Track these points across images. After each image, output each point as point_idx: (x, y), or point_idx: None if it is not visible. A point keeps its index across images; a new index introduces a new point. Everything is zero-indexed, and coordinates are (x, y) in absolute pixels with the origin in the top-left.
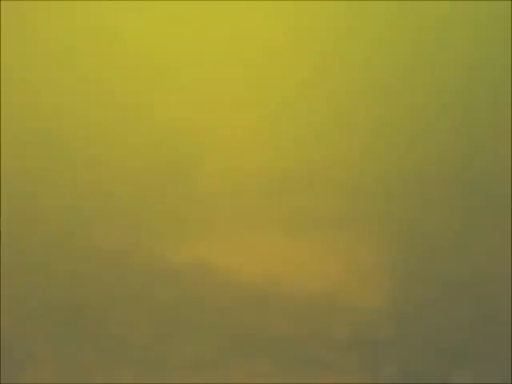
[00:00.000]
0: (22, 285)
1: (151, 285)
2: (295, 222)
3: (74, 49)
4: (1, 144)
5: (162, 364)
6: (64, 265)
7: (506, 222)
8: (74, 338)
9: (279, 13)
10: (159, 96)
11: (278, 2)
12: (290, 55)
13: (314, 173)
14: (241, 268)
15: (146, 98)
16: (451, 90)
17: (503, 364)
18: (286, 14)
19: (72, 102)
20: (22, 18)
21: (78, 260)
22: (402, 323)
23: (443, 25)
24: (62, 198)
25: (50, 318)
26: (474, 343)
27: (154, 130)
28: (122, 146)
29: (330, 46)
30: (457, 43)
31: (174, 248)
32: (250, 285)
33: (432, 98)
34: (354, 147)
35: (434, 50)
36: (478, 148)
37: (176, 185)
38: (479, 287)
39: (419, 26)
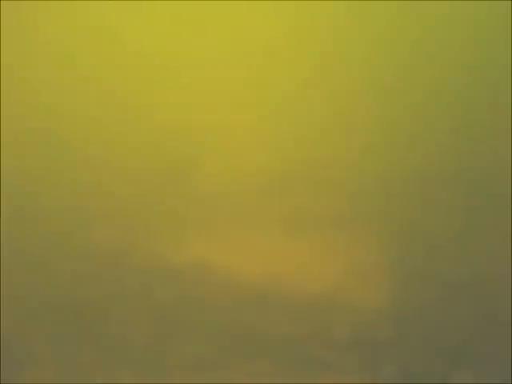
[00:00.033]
0: (22, 285)
1: (151, 285)
2: (295, 222)
3: (74, 49)
4: (1, 144)
5: (161, 364)
6: (64, 265)
7: (506, 222)
8: (74, 338)
9: (279, 13)
10: (159, 96)
11: (278, 2)
12: (290, 55)
13: (314, 173)
14: (241, 268)
15: (146, 98)
16: (451, 89)
17: (503, 364)
18: (286, 14)
19: (72, 102)
20: (22, 18)
21: (78, 260)
22: (402, 323)
23: (443, 25)
24: (62, 198)
25: (49, 318)
26: (474, 343)
27: (154, 129)
28: (121, 145)
29: (330, 46)
30: (457, 43)
31: (174, 248)
32: (249, 285)
33: (432, 97)
34: (353, 147)
35: (434, 49)
36: (478, 148)
37: (176, 185)
38: (479, 287)
39: (419, 25)
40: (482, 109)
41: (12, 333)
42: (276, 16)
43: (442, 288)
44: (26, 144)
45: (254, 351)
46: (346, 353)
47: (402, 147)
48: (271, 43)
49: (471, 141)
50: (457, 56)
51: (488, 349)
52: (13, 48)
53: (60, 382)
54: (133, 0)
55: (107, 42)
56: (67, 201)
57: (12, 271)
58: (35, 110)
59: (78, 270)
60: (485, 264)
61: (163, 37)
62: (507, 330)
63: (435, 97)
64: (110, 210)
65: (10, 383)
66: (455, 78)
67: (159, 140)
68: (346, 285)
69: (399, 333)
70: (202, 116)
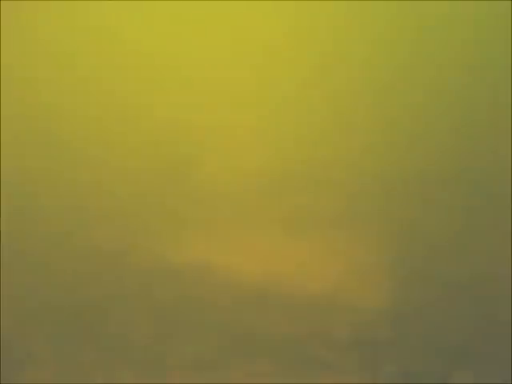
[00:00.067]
0: (22, 285)
1: (151, 285)
2: (295, 221)
3: (74, 49)
4: (1, 144)
5: (162, 364)
6: (64, 265)
7: (506, 222)
8: (74, 338)
9: (279, 13)
10: (159, 96)
11: (278, 2)
12: (290, 55)
13: (314, 173)
14: (241, 268)
15: (146, 98)
16: (451, 89)
17: (503, 364)
18: (286, 14)
19: (72, 102)
20: (22, 17)
21: (78, 260)
22: (402, 323)
23: (443, 25)
24: (62, 198)
25: (50, 318)
26: (474, 343)
27: (154, 129)
28: (121, 145)
29: (330, 45)
30: (457, 43)
31: (174, 248)
32: (249, 285)
33: (432, 97)
34: (353, 147)
35: (434, 49)
36: (478, 148)
37: (176, 185)
38: (479, 287)
39: (419, 25)
40: (481, 109)
41: (12, 333)
42: (276, 16)
43: (442, 288)
44: (26, 144)
45: (254, 351)
46: (346, 353)
47: (402, 147)
48: (271, 43)
49: (471, 141)
50: (457, 56)
51: (488, 349)
52: (13, 48)
53: (60, 382)
54: (133, 0)
55: (107, 42)
56: (67, 201)
57: (12, 271)
58: (35, 110)
59: (78, 269)
60: (485, 264)
61: (163, 37)
62: (507, 330)
63: (435, 97)
64: (110, 210)
65: (9, 383)
66: (455, 77)
67: (159, 140)
68: (346, 285)
69: (399, 333)
70: (202, 116)
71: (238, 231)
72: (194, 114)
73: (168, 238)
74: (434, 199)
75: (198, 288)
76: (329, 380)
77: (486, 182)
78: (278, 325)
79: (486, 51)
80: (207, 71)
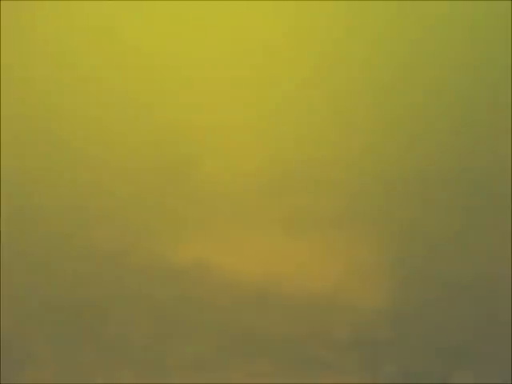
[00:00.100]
0: (22, 285)
1: (151, 285)
2: (295, 221)
3: (73, 49)
4: (1, 144)
5: (162, 364)
6: (64, 265)
7: (506, 222)
8: (74, 338)
9: (279, 13)
10: (159, 96)
11: (278, 2)
12: (290, 55)
13: (314, 173)
14: (241, 268)
15: (146, 98)
16: (451, 89)
17: (503, 364)
18: (286, 14)
19: (72, 102)
20: (22, 17)
21: (78, 260)
22: (402, 323)
23: (443, 25)
24: (62, 198)
25: (49, 318)
26: (474, 343)
27: (154, 129)
28: (122, 145)
29: (330, 46)
30: (457, 43)
31: (174, 248)
32: (249, 285)
33: (432, 97)
34: (353, 147)
35: (434, 49)
36: (478, 148)
37: (176, 185)
38: (479, 287)
39: (419, 25)
40: (482, 109)
41: (12, 333)
42: (276, 16)
43: (442, 288)
44: (26, 144)
45: (254, 351)
46: (346, 353)
47: (402, 147)
48: (271, 43)
49: (471, 141)
50: (457, 56)
51: (488, 349)
52: (13, 48)
53: (60, 382)
54: (133, 0)
55: (107, 42)
56: (67, 201)
57: (12, 271)
58: (35, 110)
59: (78, 270)
60: (485, 264)
61: (163, 37)
62: (507, 330)
63: (435, 97)
64: (110, 210)
65: (9, 383)
66: (455, 78)
67: (159, 140)
68: (346, 285)
69: (399, 333)
70: (202, 116)
71: (237, 231)
72: (194, 114)
73: (168, 238)
74: (433, 199)
75: (198, 288)
76: (329, 380)
77: (485, 182)
78: (278, 325)
79: (486, 51)
80: (207, 71)
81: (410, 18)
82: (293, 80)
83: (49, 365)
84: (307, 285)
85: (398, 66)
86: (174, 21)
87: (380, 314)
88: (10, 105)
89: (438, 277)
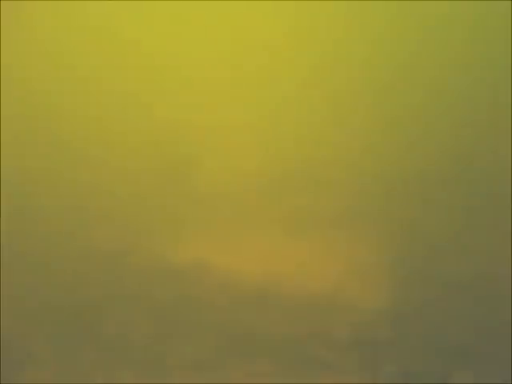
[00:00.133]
0: (22, 285)
1: (151, 285)
2: (295, 221)
3: (73, 49)
4: (1, 144)
5: (161, 364)
6: (64, 265)
7: (506, 222)
8: (74, 338)
9: (279, 13)
10: (159, 96)
11: (278, 2)
12: (290, 55)
13: (314, 173)
14: (241, 268)
15: (146, 98)
16: (451, 89)
17: (503, 364)
18: (286, 14)
19: (72, 102)
20: (22, 17)
21: (78, 260)
22: (402, 323)
23: (443, 25)
24: (62, 198)
25: (50, 318)
26: (474, 343)
27: (154, 129)
28: (121, 145)
29: (330, 45)
30: (457, 43)
31: (174, 248)
32: (249, 285)
33: (432, 97)
34: (353, 147)
35: (434, 49)
36: (478, 148)
37: (176, 185)
38: (479, 287)
39: (419, 25)
40: (482, 109)
41: (12, 333)
42: (276, 16)
43: (442, 288)
44: (26, 144)
45: (254, 351)
46: (346, 353)
47: (402, 147)
48: (271, 43)
49: (471, 141)
50: (457, 56)
51: (488, 349)
52: (13, 48)
53: (60, 382)
54: (133, 0)
55: (107, 42)
56: (67, 201)
57: (12, 271)
58: (35, 110)
59: (78, 270)
60: (485, 264)
61: (163, 37)
62: (507, 330)
63: (435, 97)
64: (110, 210)
65: (9, 383)
66: (455, 77)
67: (159, 140)
68: (346, 285)
69: (399, 333)
70: (202, 116)
71: (237, 231)
72: (194, 114)
73: (168, 238)
74: (433, 199)
75: (198, 288)
76: (329, 380)
77: (486, 182)
78: (278, 325)
79: (486, 51)
80: (207, 71)
81: (410, 18)
82: (293, 80)
83: (49, 365)
84: (307, 285)
85: (398, 66)
86: (174, 21)
87: (380, 314)
88: (10, 105)
89: (438, 277)
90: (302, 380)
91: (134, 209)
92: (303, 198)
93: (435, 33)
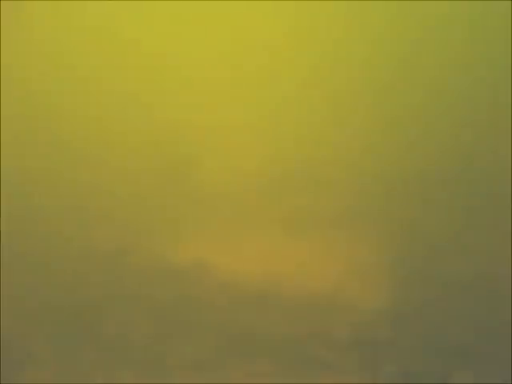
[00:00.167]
0: (22, 285)
1: (151, 285)
2: (295, 221)
3: (73, 49)
4: (1, 144)
5: (161, 364)
6: (64, 265)
7: (506, 222)
8: (74, 338)
9: (279, 13)
10: (159, 96)
11: (278, 2)
12: (290, 55)
13: (314, 173)
14: (241, 268)
15: (146, 98)
16: (451, 89)
17: (503, 364)
18: (286, 14)
19: (72, 102)
20: (22, 18)
21: (78, 260)
22: (402, 323)
23: (443, 25)
24: (62, 198)
25: (49, 318)
26: (474, 343)
27: (154, 129)
28: (121, 145)
29: (330, 45)
30: (457, 43)
31: (174, 248)
32: (249, 285)
33: (432, 97)
34: (353, 147)
35: (434, 49)
36: (478, 148)
37: (176, 185)
38: (479, 287)
39: (419, 25)
40: (482, 109)
41: (12, 333)
42: (276, 16)
43: (442, 288)
44: (26, 144)
45: (254, 351)
46: (346, 353)
47: (402, 147)
48: (271, 43)
49: (471, 141)
50: (457, 56)
51: (488, 349)
52: (13, 48)
53: (60, 382)
54: (133, 0)
55: (107, 42)
56: (67, 201)
57: (12, 271)
58: (35, 110)
59: (78, 270)
60: (485, 264)
61: (163, 37)
62: (507, 330)
63: (435, 97)
64: (110, 210)
65: (9, 383)
66: (455, 77)
67: (159, 140)
68: (346, 285)
69: (399, 333)
70: (202, 116)
71: (237, 231)
72: (194, 114)
73: (168, 238)
74: (434, 199)
75: (198, 288)
76: (329, 380)
77: (486, 182)
78: (278, 325)
79: (486, 51)
80: (207, 71)
81: (410, 18)
82: (293, 80)
83: (49, 365)
84: (307, 285)
85: (398, 66)
86: (174, 21)
87: (380, 314)
88: (10, 105)
89: (438, 277)
90: (302, 380)
91: (134, 209)
92: (303, 198)
93: (435, 33)
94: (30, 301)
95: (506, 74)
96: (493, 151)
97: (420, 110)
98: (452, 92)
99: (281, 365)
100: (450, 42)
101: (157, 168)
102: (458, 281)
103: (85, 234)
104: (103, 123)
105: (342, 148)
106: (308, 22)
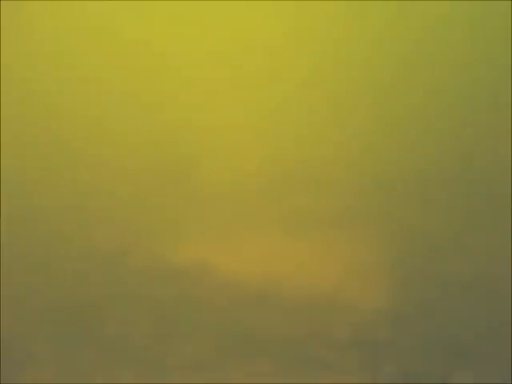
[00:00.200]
0: (22, 285)
1: (151, 285)
2: (295, 221)
3: (73, 49)
4: (1, 144)
5: (162, 364)
6: (64, 265)
7: (506, 222)
8: (74, 337)
9: (279, 13)
10: (159, 96)
11: (278, 2)
12: (290, 55)
13: (314, 173)
14: (241, 268)
15: (146, 98)
16: (451, 89)
17: (503, 364)
18: (286, 14)
19: (72, 102)
20: (22, 18)
21: (78, 260)
22: (402, 323)
23: (443, 25)
24: (62, 198)
25: (49, 318)
26: (474, 343)
27: (154, 129)
28: (122, 145)
29: (330, 46)
30: (457, 43)
31: (174, 248)
32: (249, 285)
33: (432, 97)
34: (353, 147)
35: (434, 49)
36: (478, 148)
37: (176, 185)
38: (479, 287)
39: (419, 25)
40: (482, 109)
41: (12, 333)
42: (276, 16)
43: (442, 288)
44: (26, 144)
45: (254, 351)
46: (345, 353)
47: (402, 147)
48: (271, 43)
49: (471, 141)
50: (457, 56)
51: (488, 349)
52: (13, 48)
53: (60, 382)
54: (133, 0)
55: (107, 42)
56: (67, 201)
57: (12, 271)
58: (35, 110)
59: (78, 270)
60: (485, 264)
61: (163, 36)
62: (507, 330)
63: (435, 97)
64: (110, 210)
65: (9, 383)
66: (455, 77)
67: (159, 140)
68: (346, 285)
69: (399, 333)
70: (202, 116)
71: (237, 231)
72: (194, 114)
73: (168, 238)
74: (434, 199)
75: (198, 288)
76: (329, 380)
77: (486, 182)
78: (278, 325)
79: (486, 51)
80: (207, 71)
81: (410, 18)
82: (293, 80)
83: (49, 365)
84: (307, 285)
85: (398, 65)
86: (174, 21)
87: (380, 314)
88: (10, 105)
89: (438, 277)
90: (302, 380)
91: (134, 209)
92: (303, 198)
93: (435, 33)
94: (30, 301)
95: (506, 74)
96: (493, 151)
97: (420, 109)
98: (452, 92)
99: (281, 365)
100: (450, 42)
101: (157, 168)
102: (458, 281)
103: (85, 233)
104: (103, 123)
105: (342, 148)
106: (308, 21)
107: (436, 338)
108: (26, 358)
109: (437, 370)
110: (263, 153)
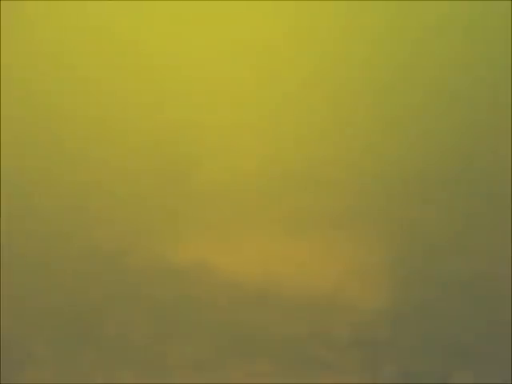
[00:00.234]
0: (22, 285)
1: (151, 285)
2: (295, 222)
3: (73, 49)
4: (1, 144)
5: (162, 364)
6: (64, 265)
7: (506, 222)
8: (74, 338)
9: (279, 13)
10: (159, 96)
11: (278, 2)
12: (290, 55)
13: (314, 173)
14: (241, 268)
15: (146, 98)
16: (451, 89)
17: (503, 364)
18: (286, 14)
19: (72, 102)
20: (22, 17)
21: (78, 260)
22: (402, 323)
23: (443, 25)
24: (62, 198)
25: (49, 318)
26: (474, 343)
27: (154, 129)
28: (122, 146)
29: (330, 46)
30: (457, 43)
31: (174, 248)
32: (249, 285)
33: (432, 97)
34: (354, 147)
35: (434, 49)
36: (478, 148)
37: (176, 185)
38: (479, 287)
39: (419, 25)
40: (482, 109)
41: (12, 333)
42: (276, 16)
43: (442, 288)
44: (26, 144)
45: (254, 351)
46: (345, 353)
47: (402, 147)
48: (271, 43)
49: (471, 141)
50: (457, 56)
51: (488, 349)
52: (13, 48)
53: (60, 382)
54: (133, 0)
55: (107, 42)
56: (67, 201)
57: (12, 271)
58: (35, 110)
59: (78, 270)
60: (485, 264)
61: (163, 37)
62: (507, 330)
63: (435, 97)
64: (110, 210)
65: (9, 383)
66: (455, 77)
67: (159, 140)
68: (346, 285)
69: (399, 333)
70: (202, 116)
71: (237, 231)
72: (194, 114)
73: (168, 238)
74: (433, 199)
75: (198, 288)
76: (329, 380)
77: (486, 182)
78: (278, 325)
79: (485, 51)
80: (207, 71)
81: (410, 18)
82: (293, 80)
83: (49, 365)
84: (307, 285)
85: (398, 66)
86: (173, 21)
87: (380, 314)
88: (10, 105)
89: (438, 277)
90: (302, 380)
91: (134, 209)
92: (303, 198)
93: (435, 33)
94: (30, 301)
95: (506, 74)
96: (493, 151)
97: (420, 109)
98: (452, 92)
99: (281, 365)
100: (450, 42)
101: (157, 168)
102: (458, 281)
103: (85, 234)
104: (103, 123)
105: (342, 148)
106: (308, 21)
107: (436, 338)
108: (25, 358)
109: (437, 370)
110: (263, 153)
